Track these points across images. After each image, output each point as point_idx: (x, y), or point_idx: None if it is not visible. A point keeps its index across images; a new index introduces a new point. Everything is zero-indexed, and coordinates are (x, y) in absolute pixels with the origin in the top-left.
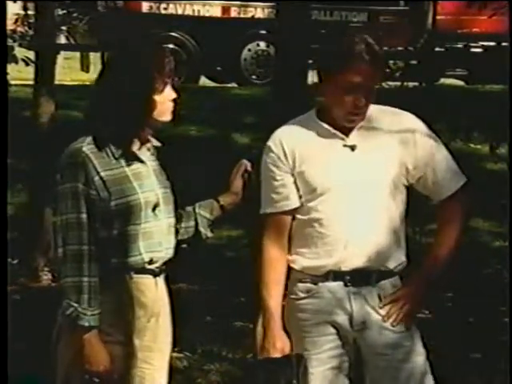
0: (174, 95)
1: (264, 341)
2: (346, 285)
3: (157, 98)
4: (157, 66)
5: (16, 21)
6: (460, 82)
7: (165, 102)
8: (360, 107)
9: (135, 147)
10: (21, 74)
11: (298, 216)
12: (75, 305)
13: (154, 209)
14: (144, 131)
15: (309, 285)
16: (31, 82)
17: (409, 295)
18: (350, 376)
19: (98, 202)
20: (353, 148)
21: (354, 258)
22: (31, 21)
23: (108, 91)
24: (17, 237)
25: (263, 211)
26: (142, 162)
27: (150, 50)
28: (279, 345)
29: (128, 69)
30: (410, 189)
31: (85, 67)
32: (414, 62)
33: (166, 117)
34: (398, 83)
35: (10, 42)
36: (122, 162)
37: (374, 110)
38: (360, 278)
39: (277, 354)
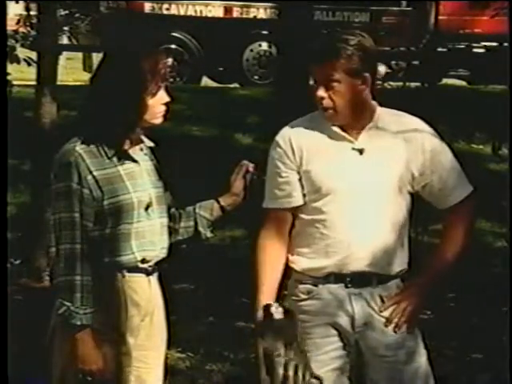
0: (166, 99)
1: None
2: (346, 286)
3: (149, 101)
4: (151, 69)
5: (18, 21)
6: (462, 83)
7: (157, 106)
8: (325, 101)
9: (127, 147)
10: (23, 75)
11: (301, 215)
12: (68, 304)
13: (146, 208)
14: (135, 132)
15: (309, 286)
16: (33, 83)
17: (412, 298)
18: (351, 377)
19: (90, 202)
20: (361, 151)
21: (356, 261)
22: (33, 21)
23: (101, 90)
24: (19, 237)
25: (265, 205)
26: (135, 161)
27: (146, 52)
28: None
29: (122, 70)
30: (414, 195)
31: (87, 67)
32: (416, 62)
33: (157, 120)
34: (400, 83)
35: (12, 42)
36: (115, 161)
37: (383, 113)
38: (361, 280)
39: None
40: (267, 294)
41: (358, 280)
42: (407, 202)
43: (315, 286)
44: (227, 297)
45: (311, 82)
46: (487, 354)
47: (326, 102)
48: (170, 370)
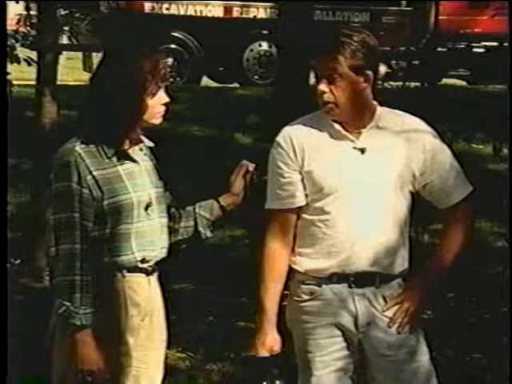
0: (166, 99)
1: (255, 337)
2: (350, 286)
3: (149, 101)
4: (151, 69)
5: (18, 21)
6: (462, 82)
7: (156, 106)
8: (326, 95)
9: (126, 147)
10: (23, 74)
11: (304, 216)
12: (67, 304)
13: (146, 208)
14: (135, 132)
15: (312, 287)
16: (33, 83)
17: (414, 298)
18: (354, 377)
19: (90, 201)
20: (363, 151)
21: (359, 261)
22: (33, 21)
23: (100, 90)
24: (19, 237)
25: (268, 206)
26: (134, 161)
27: (146, 52)
28: (268, 343)
29: (121, 70)
30: (415, 195)
31: (87, 67)
32: (416, 62)
33: (157, 120)
34: (400, 83)
35: (12, 42)
36: (115, 161)
37: (384, 112)
38: (364, 280)
39: (265, 352)
40: (272, 301)
41: (361, 280)
42: (408, 201)
43: (319, 286)
44: (227, 297)
45: (312, 78)
46: (487, 354)
47: (327, 97)
48: (170, 370)
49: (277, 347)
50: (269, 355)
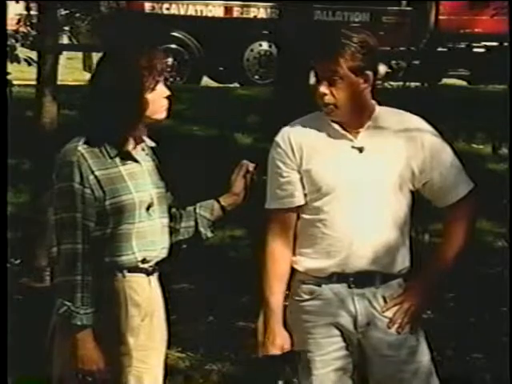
0: (167, 92)
1: (264, 337)
2: (349, 286)
3: (149, 96)
4: (147, 64)
5: (18, 21)
6: (462, 82)
7: (157, 100)
8: (326, 97)
9: (130, 147)
10: (23, 74)
11: (303, 215)
12: (68, 303)
13: (147, 208)
14: (138, 130)
15: (312, 286)
16: (33, 82)
17: (415, 298)
18: (353, 377)
19: (92, 201)
20: (361, 150)
21: (358, 260)
22: (33, 21)
23: (100, 90)
24: (19, 237)
25: (268, 206)
26: (136, 161)
27: (141, 49)
28: (278, 342)
29: (118, 68)
30: (414, 193)
31: (87, 67)
32: (416, 62)
33: (160, 114)
34: (400, 83)
35: (12, 42)
36: (117, 161)
37: (382, 111)
38: (364, 280)
39: (276, 351)
40: (277, 300)
41: (360, 280)
42: (408, 200)
43: (318, 286)
44: (227, 297)
45: (313, 79)
46: (487, 354)
47: (328, 99)
48: (169, 370)
49: (287, 345)
50: (280, 353)
